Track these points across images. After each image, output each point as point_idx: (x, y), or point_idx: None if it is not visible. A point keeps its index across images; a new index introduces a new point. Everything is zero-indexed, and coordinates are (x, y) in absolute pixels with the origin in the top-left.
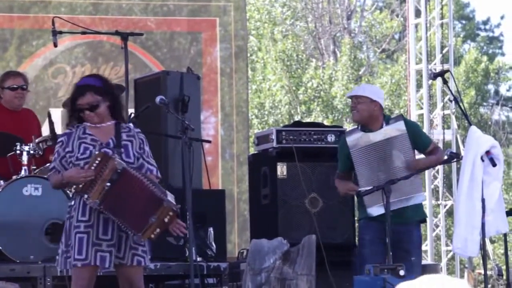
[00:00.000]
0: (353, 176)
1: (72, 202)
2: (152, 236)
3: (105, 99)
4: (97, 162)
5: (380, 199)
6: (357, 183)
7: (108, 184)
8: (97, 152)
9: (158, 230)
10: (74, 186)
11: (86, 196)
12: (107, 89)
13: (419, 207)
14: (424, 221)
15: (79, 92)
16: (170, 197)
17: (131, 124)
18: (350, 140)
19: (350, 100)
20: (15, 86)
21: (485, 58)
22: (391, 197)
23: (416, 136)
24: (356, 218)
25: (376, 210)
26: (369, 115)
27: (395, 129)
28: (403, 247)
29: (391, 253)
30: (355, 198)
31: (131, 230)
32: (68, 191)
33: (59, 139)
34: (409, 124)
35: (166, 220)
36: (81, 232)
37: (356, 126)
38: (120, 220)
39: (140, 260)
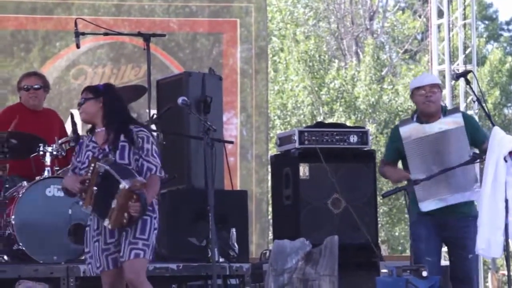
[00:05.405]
0: (404, 167)
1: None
2: (124, 221)
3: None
4: (91, 168)
5: (433, 194)
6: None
7: (95, 188)
8: (90, 159)
9: (125, 214)
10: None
11: (80, 203)
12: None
13: (472, 202)
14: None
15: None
16: (129, 181)
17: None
18: (404, 130)
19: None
20: (28, 86)
21: (509, 58)
22: (445, 192)
23: (474, 130)
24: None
25: (427, 205)
26: (439, 105)
27: (452, 121)
28: (460, 243)
29: (435, 250)
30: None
31: (102, 220)
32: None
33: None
34: (466, 118)
35: (131, 202)
36: (96, 241)
37: (409, 116)
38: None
39: (139, 253)
